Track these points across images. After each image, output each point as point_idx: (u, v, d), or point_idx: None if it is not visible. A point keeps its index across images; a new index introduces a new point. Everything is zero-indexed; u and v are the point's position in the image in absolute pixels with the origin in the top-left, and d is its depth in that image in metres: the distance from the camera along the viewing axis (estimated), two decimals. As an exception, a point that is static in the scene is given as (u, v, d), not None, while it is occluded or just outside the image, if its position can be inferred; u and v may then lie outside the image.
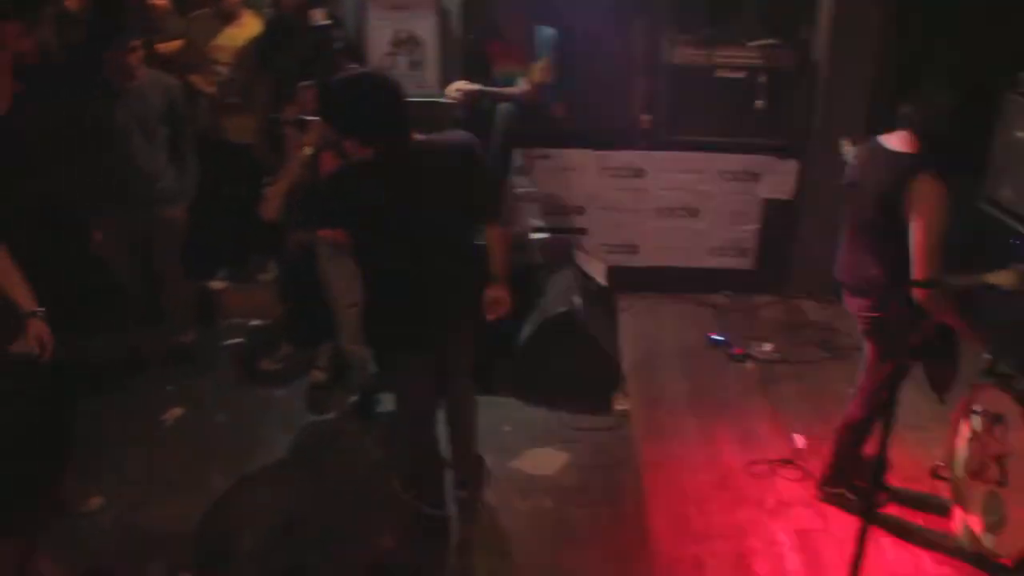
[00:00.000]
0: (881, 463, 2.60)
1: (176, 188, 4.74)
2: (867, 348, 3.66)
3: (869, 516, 2.64)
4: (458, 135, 3.39)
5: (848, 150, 4.20)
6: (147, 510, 3.91)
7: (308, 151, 3.97)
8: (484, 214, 3.47)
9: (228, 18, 5.30)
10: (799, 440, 4.27)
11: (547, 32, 5.05)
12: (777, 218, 5.67)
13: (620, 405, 4.71)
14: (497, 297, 3.54)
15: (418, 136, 3.19)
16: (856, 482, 3.84)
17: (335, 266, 4.33)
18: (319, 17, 4.18)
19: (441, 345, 3.58)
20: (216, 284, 5.74)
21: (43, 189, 4.00)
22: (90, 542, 3.75)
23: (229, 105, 5.34)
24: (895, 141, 3.35)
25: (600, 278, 5.37)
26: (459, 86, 5.00)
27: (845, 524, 3.80)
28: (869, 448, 3.74)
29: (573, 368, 4.73)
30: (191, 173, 4.82)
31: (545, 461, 4.37)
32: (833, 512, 3.87)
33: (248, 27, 5.33)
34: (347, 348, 4.65)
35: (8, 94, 3.69)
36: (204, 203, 5.00)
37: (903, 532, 3.71)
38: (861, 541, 2.62)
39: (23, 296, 3.26)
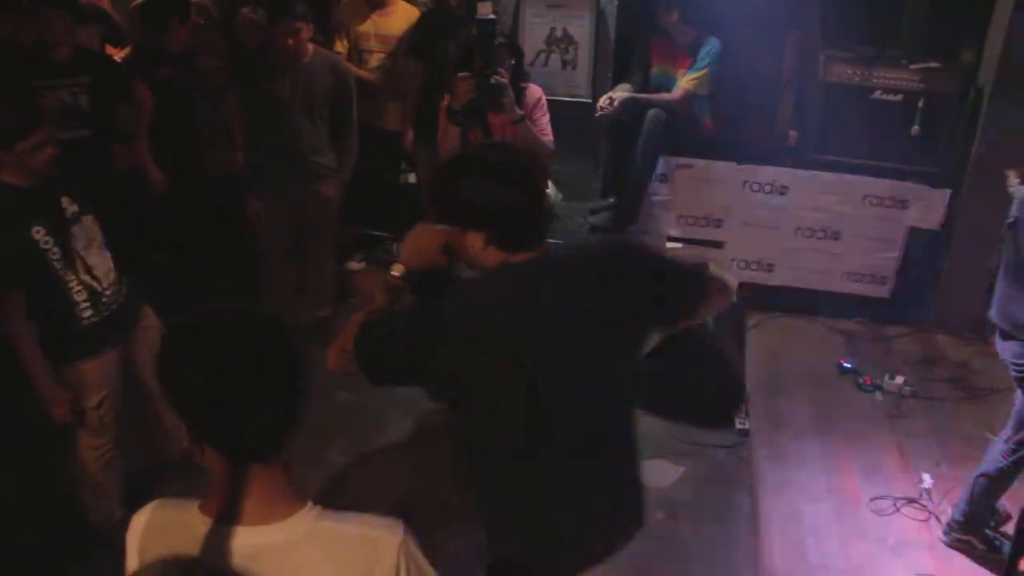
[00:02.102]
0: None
1: (334, 166, 4.90)
2: (1018, 397, 3.51)
3: (1012, 572, 2.53)
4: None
5: (1013, 183, 4.03)
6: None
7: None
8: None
9: (376, 4, 5.41)
10: (927, 479, 4.14)
11: (715, 43, 5.02)
12: (921, 248, 5.48)
13: (741, 423, 4.65)
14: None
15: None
16: (987, 532, 3.71)
17: None
18: (485, 11, 4.25)
19: None
20: (354, 265, 5.90)
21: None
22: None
23: (377, 91, 5.46)
24: None
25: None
26: (610, 95, 4.99)
27: (968, 572, 3.68)
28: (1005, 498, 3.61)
29: (697, 381, 4.67)
30: (351, 154, 4.97)
31: (660, 473, 4.35)
32: (958, 559, 3.74)
33: (398, 15, 5.41)
34: None
35: None
36: (352, 185, 5.16)
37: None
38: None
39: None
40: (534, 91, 4.26)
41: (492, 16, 4.42)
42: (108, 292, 3.38)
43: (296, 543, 1.51)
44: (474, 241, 2.07)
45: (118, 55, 5.26)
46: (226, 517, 1.52)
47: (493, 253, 2.08)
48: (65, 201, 3.23)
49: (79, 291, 3.28)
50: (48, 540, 3.73)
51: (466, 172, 2.13)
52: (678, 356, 4.69)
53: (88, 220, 3.30)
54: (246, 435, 1.51)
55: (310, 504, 1.57)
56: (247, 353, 1.50)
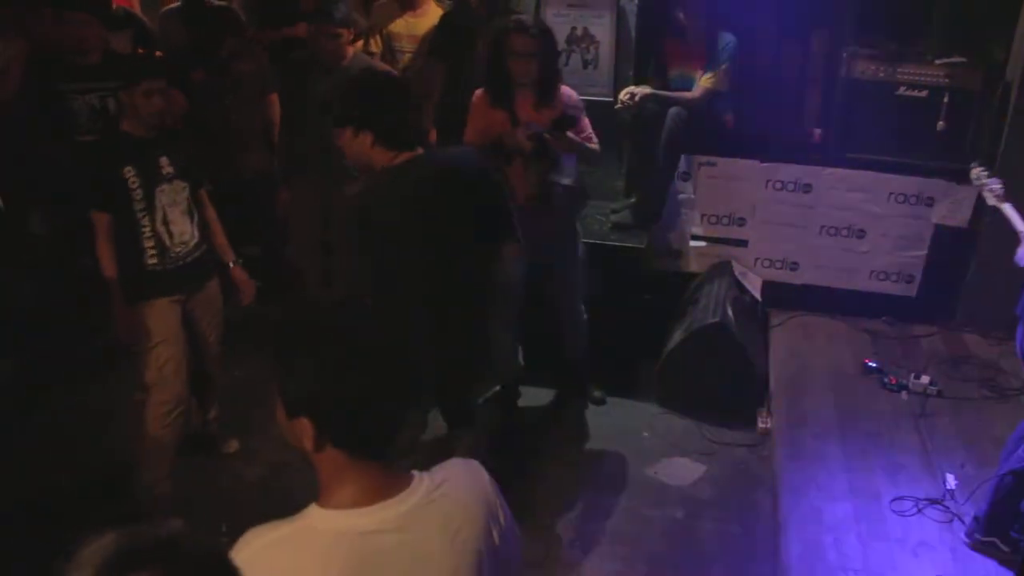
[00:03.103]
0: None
1: None
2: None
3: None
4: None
5: (979, 174, 4.04)
6: (289, 473, 4.10)
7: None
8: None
9: (408, 5, 5.48)
10: (951, 480, 4.09)
11: (729, 39, 4.99)
12: (947, 246, 5.40)
13: (764, 422, 4.64)
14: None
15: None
16: (1012, 534, 3.65)
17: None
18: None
19: None
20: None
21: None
22: (235, 494, 4.00)
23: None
24: None
25: (755, 292, 5.29)
26: (631, 89, 4.99)
27: (990, 575, 3.63)
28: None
29: (719, 380, 4.69)
30: None
31: (681, 471, 4.35)
32: (980, 561, 3.68)
33: (429, 16, 5.49)
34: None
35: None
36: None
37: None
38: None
39: (227, 247, 4.05)
40: (570, 95, 4.29)
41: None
42: (178, 249, 3.76)
43: (431, 494, 1.56)
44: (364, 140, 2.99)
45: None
46: (352, 505, 1.52)
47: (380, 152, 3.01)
48: (164, 161, 3.71)
49: (149, 236, 3.68)
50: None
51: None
52: (701, 353, 4.73)
53: (179, 184, 3.76)
54: (377, 430, 1.53)
55: (416, 474, 1.61)
56: (379, 345, 1.53)
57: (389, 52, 5.57)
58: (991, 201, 3.99)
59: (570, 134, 4.14)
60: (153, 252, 3.70)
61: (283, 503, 1.60)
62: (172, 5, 5.76)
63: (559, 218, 4.36)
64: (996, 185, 3.99)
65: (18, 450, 4.06)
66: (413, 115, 3.23)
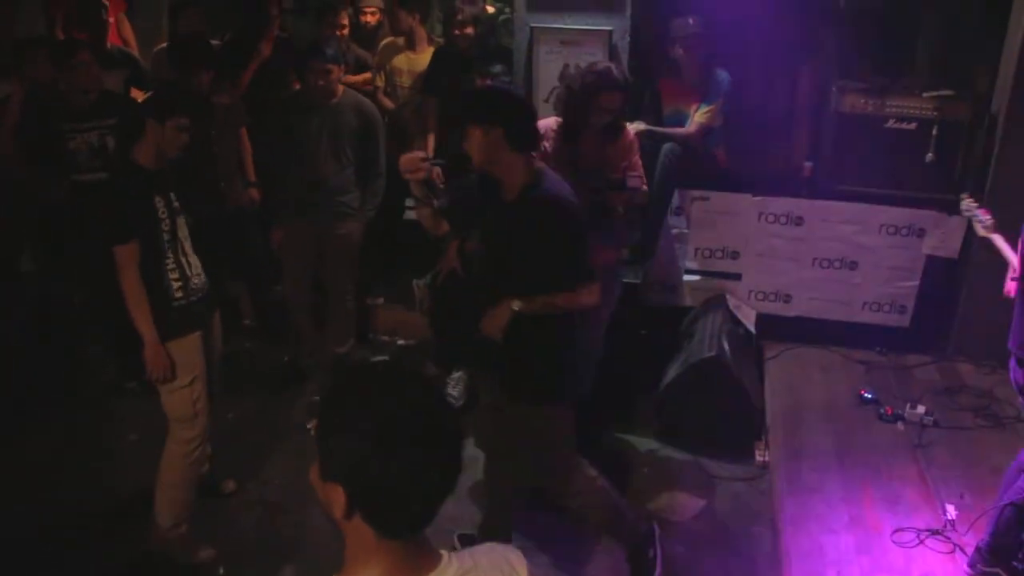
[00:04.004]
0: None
1: (357, 205, 4.98)
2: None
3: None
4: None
5: (968, 205, 4.10)
6: (286, 517, 4.09)
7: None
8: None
9: (410, 44, 5.57)
10: (951, 510, 4.09)
11: (723, 76, 5.07)
12: (939, 276, 5.45)
13: (761, 455, 4.64)
14: (489, 318, 3.30)
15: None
16: (1015, 564, 3.65)
17: None
18: (499, 69, 4.48)
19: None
20: (373, 301, 5.96)
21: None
22: (233, 537, 3.98)
23: (403, 130, 5.58)
24: None
25: (750, 325, 5.31)
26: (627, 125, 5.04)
27: (995, 605, 3.63)
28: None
29: (716, 413, 4.69)
30: (376, 194, 5.07)
31: (680, 506, 4.34)
32: (983, 591, 3.69)
33: (427, 54, 5.65)
34: None
35: None
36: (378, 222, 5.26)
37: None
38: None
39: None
40: (628, 133, 4.37)
41: (500, 71, 4.64)
42: (195, 281, 3.74)
43: None
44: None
45: (143, 98, 5.38)
46: None
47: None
48: (172, 195, 3.70)
49: (173, 269, 3.65)
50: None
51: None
52: (697, 387, 4.73)
53: (184, 218, 3.73)
54: (412, 514, 1.43)
55: (445, 554, 1.53)
56: (430, 424, 1.42)
57: (391, 87, 5.68)
58: (981, 232, 4.04)
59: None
60: (179, 285, 3.66)
61: (280, 547, 1.58)
62: (164, 45, 5.83)
63: None
64: (985, 217, 4.05)
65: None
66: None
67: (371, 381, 1.45)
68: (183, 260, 3.68)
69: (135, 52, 6.33)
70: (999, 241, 3.91)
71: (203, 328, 3.81)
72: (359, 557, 1.45)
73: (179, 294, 3.66)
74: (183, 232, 3.70)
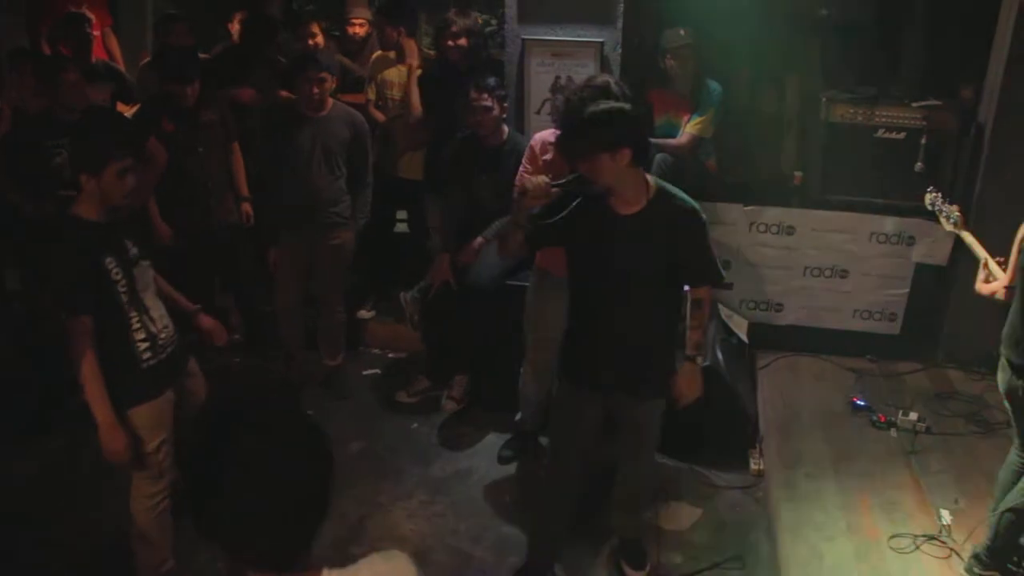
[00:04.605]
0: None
1: (348, 215, 4.97)
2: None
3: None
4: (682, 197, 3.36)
5: (933, 199, 4.12)
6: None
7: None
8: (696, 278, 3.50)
9: (401, 57, 5.60)
10: (946, 516, 4.11)
11: (714, 87, 5.09)
12: (928, 284, 5.50)
13: (756, 464, 4.65)
14: (685, 383, 3.53)
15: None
16: (1010, 567, 3.68)
17: (539, 296, 4.38)
18: (492, 82, 4.51)
19: (609, 397, 3.55)
20: (364, 313, 5.94)
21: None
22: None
23: (398, 142, 5.57)
24: None
25: (742, 334, 5.32)
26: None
27: (992, 609, 3.65)
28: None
29: (711, 423, 4.68)
30: (365, 205, 5.08)
31: (678, 515, 4.34)
32: (980, 596, 3.71)
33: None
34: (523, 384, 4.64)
35: None
36: (364, 234, 5.25)
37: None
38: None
39: (184, 300, 3.69)
40: None
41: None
42: (163, 336, 3.40)
43: None
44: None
45: (129, 112, 5.35)
46: None
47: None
48: (128, 243, 3.30)
49: (138, 329, 3.29)
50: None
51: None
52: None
53: (146, 265, 3.37)
54: (260, 547, 1.49)
55: (325, 570, 1.55)
56: (289, 466, 1.48)
57: (382, 100, 5.65)
58: (948, 227, 4.07)
59: None
60: (146, 346, 3.31)
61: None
62: (149, 59, 5.81)
63: None
64: (952, 209, 4.08)
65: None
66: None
67: (231, 417, 1.50)
68: (146, 318, 3.32)
69: (121, 66, 6.32)
70: (968, 237, 3.95)
71: (176, 380, 3.53)
72: None
73: (147, 355, 3.32)
74: (143, 282, 3.33)
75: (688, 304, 3.62)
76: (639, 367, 3.47)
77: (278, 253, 5.00)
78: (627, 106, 3.27)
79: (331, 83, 4.75)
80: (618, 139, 3.11)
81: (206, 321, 3.75)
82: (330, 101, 4.82)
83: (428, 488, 4.50)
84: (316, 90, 4.67)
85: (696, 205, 3.35)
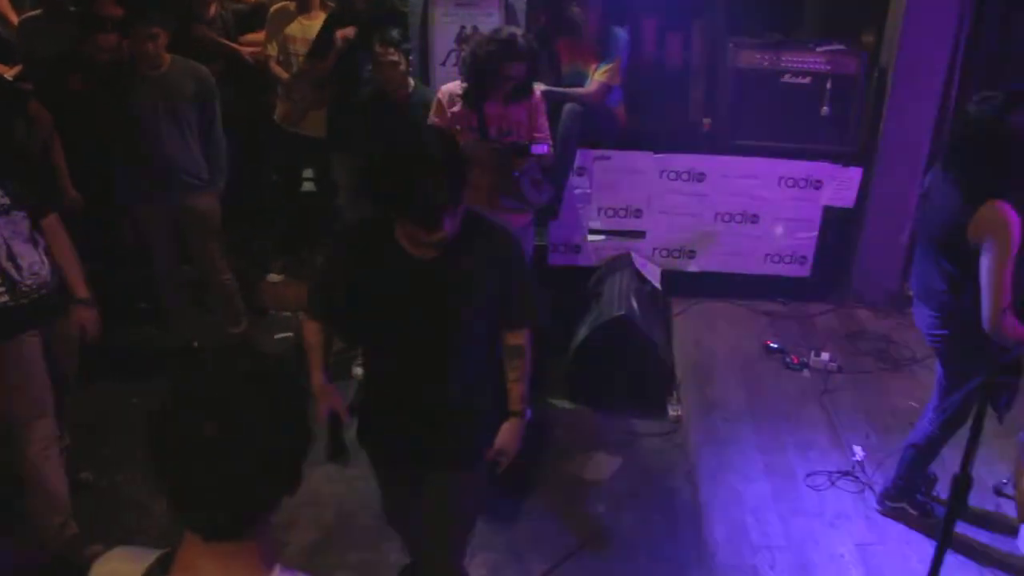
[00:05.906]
0: (965, 480, 2.53)
1: (205, 178, 4.69)
2: (938, 366, 3.58)
3: (948, 535, 2.57)
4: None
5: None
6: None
7: None
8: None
9: (303, 8, 5.37)
10: (858, 452, 4.21)
11: (621, 34, 5.03)
12: (836, 226, 5.58)
13: (674, 410, 4.67)
14: (504, 444, 2.84)
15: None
16: (919, 497, 3.78)
17: None
18: (396, 34, 4.35)
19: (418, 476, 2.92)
20: (274, 277, 5.77)
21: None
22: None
23: (301, 97, 5.39)
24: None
25: (656, 282, 5.33)
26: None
27: (904, 538, 3.75)
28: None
29: (628, 371, 4.69)
30: (220, 163, 4.77)
31: (598, 466, 4.34)
32: (893, 526, 3.81)
33: (321, 19, 5.38)
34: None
35: None
36: (270, 195, 5.06)
37: (967, 550, 3.64)
38: (938, 558, 2.56)
39: (78, 281, 3.57)
40: (534, 95, 4.29)
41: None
42: (29, 282, 3.36)
43: None
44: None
45: (8, 73, 5.04)
46: None
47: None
48: None
49: None
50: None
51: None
52: (608, 347, 4.72)
53: (18, 216, 3.34)
54: (225, 514, 1.41)
55: (279, 569, 1.48)
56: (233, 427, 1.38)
57: (284, 55, 5.43)
58: None
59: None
60: (2, 289, 3.29)
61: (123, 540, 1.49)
62: (31, 13, 5.44)
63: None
64: None
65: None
66: None
67: (199, 385, 1.44)
68: (8, 264, 3.29)
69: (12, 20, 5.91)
70: None
71: (36, 328, 3.44)
72: (184, 558, 1.45)
73: (3, 298, 3.30)
74: (7, 231, 3.29)
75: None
76: (450, 434, 2.83)
77: (129, 225, 4.77)
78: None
79: (164, 38, 4.42)
80: None
81: (81, 313, 3.61)
82: (167, 57, 4.50)
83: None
84: (151, 46, 4.38)
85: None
